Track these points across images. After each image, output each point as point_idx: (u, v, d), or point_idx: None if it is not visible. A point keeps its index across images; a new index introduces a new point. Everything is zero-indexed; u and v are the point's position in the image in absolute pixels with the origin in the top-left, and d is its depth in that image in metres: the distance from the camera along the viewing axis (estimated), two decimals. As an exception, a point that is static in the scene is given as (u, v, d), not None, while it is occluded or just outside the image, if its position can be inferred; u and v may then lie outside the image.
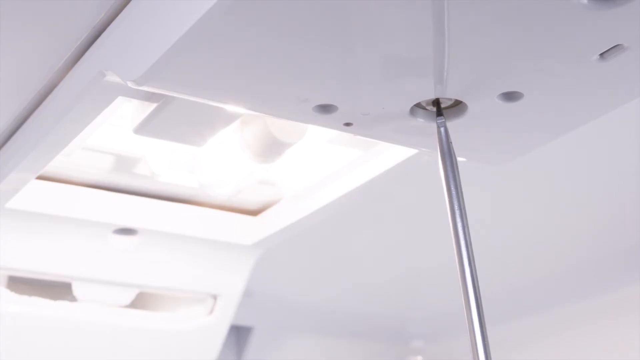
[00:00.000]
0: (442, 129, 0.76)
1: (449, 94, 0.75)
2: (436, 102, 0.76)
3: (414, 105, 0.77)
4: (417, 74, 0.71)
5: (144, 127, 0.92)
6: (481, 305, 0.71)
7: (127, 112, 0.95)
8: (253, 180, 1.19)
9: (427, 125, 0.78)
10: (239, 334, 1.82)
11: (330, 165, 1.15)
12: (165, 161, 1.16)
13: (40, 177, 1.15)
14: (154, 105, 0.90)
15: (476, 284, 0.72)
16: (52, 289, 1.30)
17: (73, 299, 1.30)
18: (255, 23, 0.64)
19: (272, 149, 0.99)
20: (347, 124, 0.79)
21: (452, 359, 1.94)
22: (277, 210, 1.28)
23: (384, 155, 1.07)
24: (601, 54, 0.69)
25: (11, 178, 1.02)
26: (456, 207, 0.74)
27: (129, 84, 0.73)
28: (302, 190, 1.21)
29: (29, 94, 0.92)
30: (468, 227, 0.74)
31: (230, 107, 0.85)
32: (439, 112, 0.76)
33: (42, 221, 1.20)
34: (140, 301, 1.36)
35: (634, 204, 1.37)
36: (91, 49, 0.84)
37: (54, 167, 1.14)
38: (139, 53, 0.72)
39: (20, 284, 1.28)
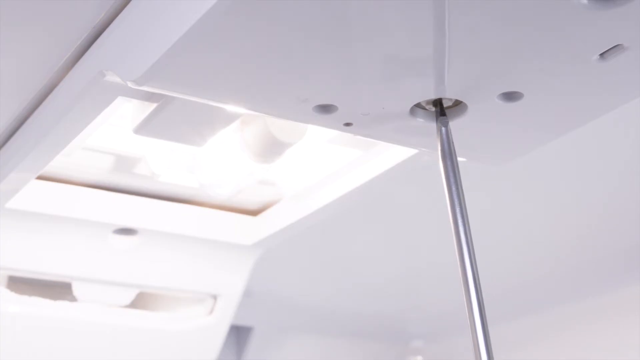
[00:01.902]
0: (444, 129, 0.76)
1: (449, 94, 0.75)
2: (439, 102, 0.76)
3: (414, 105, 0.77)
4: (417, 74, 0.72)
5: (144, 127, 0.92)
6: (483, 305, 0.71)
7: (127, 112, 0.95)
8: (253, 180, 1.19)
9: (427, 125, 0.78)
10: (239, 334, 1.82)
11: (330, 165, 1.15)
12: (165, 161, 1.16)
13: (40, 177, 1.15)
14: (154, 105, 0.90)
15: (478, 284, 0.72)
16: (52, 289, 1.30)
17: (73, 299, 1.30)
18: (255, 23, 0.64)
19: (272, 149, 0.99)
20: (347, 124, 0.79)
21: (452, 359, 1.94)
22: (277, 210, 1.28)
23: (384, 155, 1.07)
24: (601, 54, 0.69)
25: (11, 178, 1.02)
26: (457, 206, 0.74)
27: (129, 84, 0.73)
28: (302, 190, 1.21)
29: (29, 94, 0.92)
30: (469, 227, 0.74)
31: (230, 107, 0.85)
32: (442, 112, 0.76)
33: (42, 221, 1.20)
34: (140, 301, 1.36)
35: (634, 204, 1.37)
36: (91, 49, 0.84)
37: (54, 167, 1.14)
38: (139, 53, 0.72)
39: (20, 284, 1.28)
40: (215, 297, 1.39)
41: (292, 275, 1.62)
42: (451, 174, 0.75)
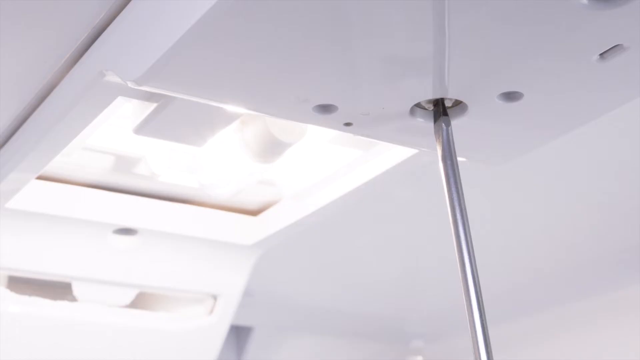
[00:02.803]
0: (444, 129, 0.76)
1: (449, 94, 0.75)
2: (441, 102, 0.76)
3: (414, 105, 0.77)
4: (417, 74, 0.72)
5: (144, 127, 0.92)
6: (483, 305, 0.71)
7: (127, 112, 0.95)
8: (253, 180, 1.19)
9: (427, 125, 0.78)
10: (239, 334, 1.82)
11: (330, 165, 1.15)
12: (165, 161, 1.16)
13: (40, 177, 1.15)
14: (154, 105, 0.90)
15: (477, 283, 0.72)
16: (52, 289, 1.30)
17: (73, 299, 1.30)
18: (255, 23, 0.64)
19: (272, 149, 0.99)
20: (347, 124, 0.79)
21: (452, 359, 1.94)
22: (277, 210, 1.28)
23: (384, 155, 1.07)
24: (601, 54, 0.69)
25: (11, 178, 1.02)
26: (457, 206, 0.74)
27: (129, 84, 0.73)
28: (302, 190, 1.21)
29: (29, 94, 0.92)
30: (469, 227, 0.74)
31: (230, 107, 0.85)
32: (444, 112, 0.76)
33: (42, 221, 1.20)
34: (140, 301, 1.36)
35: (634, 204, 1.37)
36: (91, 49, 0.84)
37: (54, 167, 1.14)
38: (139, 53, 0.72)
39: (20, 284, 1.28)
40: (215, 297, 1.39)
41: (292, 275, 1.62)
42: (451, 174, 0.75)
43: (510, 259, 1.57)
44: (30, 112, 0.95)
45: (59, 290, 1.30)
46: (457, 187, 0.75)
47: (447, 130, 0.76)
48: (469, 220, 0.74)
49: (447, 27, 0.65)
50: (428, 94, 0.75)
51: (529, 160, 1.02)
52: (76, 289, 1.29)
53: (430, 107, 0.77)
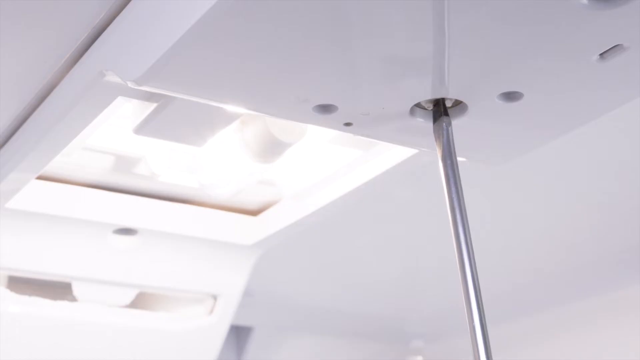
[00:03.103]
0: (445, 129, 0.76)
1: (449, 94, 0.75)
2: (442, 102, 0.76)
3: (414, 105, 0.77)
4: (417, 74, 0.72)
5: (144, 127, 0.92)
6: (482, 305, 0.71)
7: (127, 112, 0.95)
8: (253, 180, 1.19)
9: (427, 125, 0.78)
10: (239, 334, 1.82)
11: (330, 165, 1.15)
12: (165, 161, 1.16)
13: (40, 177, 1.15)
14: (154, 105, 0.90)
15: (477, 284, 0.72)
16: (52, 289, 1.30)
17: (73, 299, 1.30)
18: (255, 23, 0.64)
19: (272, 149, 0.99)
20: (347, 124, 0.79)
21: (452, 359, 1.94)
22: (277, 210, 1.28)
23: (384, 155, 1.07)
24: (601, 54, 0.69)
25: (11, 178, 1.02)
26: (456, 206, 0.74)
27: (129, 84, 0.73)
28: (302, 190, 1.21)
29: (29, 94, 0.92)
30: (468, 227, 0.74)
31: (230, 107, 0.85)
32: (445, 112, 0.76)
33: (42, 221, 1.20)
34: (140, 301, 1.36)
35: (634, 204, 1.37)
36: (91, 49, 0.84)
37: (54, 167, 1.14)
38: (139, 53, 0.72)
39: (20, 284, 1.28)
40: (215, 297, 1.39)
41: (292, 275, 1.62)
42: (451, 174, 0.75)
43: (510, 259, 1.57)
44: (30, 112, 0.95)
45: (59, 290, 1.30)
46: (457, 187, 0.75)
47: (447, 130, 0.76)
48: (469, 220, 0.74)
49: (447, 27, 0.65)
50: (428, 94, 0.75)
51: (529, 160, 1.02)
52: (76, 289, 1.29)
53: (430, 107, 0.77)
